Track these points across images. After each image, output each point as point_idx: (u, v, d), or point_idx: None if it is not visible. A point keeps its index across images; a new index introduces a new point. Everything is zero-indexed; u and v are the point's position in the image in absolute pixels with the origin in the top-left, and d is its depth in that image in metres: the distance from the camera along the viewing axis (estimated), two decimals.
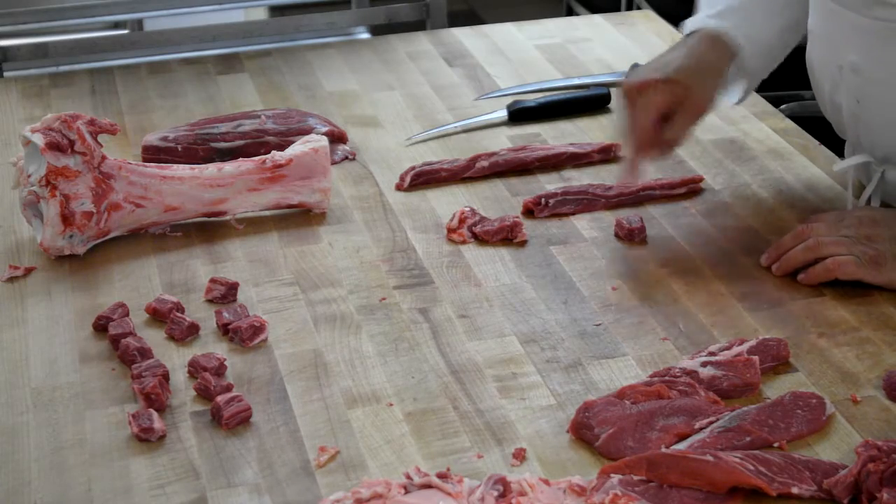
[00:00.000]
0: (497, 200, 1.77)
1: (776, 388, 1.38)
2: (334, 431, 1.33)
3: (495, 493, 1.20)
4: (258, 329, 1.48)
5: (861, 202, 1.71)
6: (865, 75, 1.60)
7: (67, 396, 1.39)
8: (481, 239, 1.66)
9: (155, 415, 1.34)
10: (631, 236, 1.67)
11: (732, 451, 1.25)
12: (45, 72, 2.34)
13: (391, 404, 1.37)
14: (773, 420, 1.31)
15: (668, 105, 1.62)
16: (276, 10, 3.68)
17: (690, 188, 1.77)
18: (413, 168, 1.82)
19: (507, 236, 1.67)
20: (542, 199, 1.73)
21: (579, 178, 1.82)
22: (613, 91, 2.04)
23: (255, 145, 1.85)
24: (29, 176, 1.62)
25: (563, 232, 1.69)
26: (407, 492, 1.21)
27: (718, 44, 1.66)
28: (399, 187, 1.80)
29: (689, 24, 1.70)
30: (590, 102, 2.03)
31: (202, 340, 1.48)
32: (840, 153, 1.91)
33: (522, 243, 1.66)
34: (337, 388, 1.39)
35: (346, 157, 1.89)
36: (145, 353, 1.43)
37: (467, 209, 1.69)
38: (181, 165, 1.71)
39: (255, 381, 1.41)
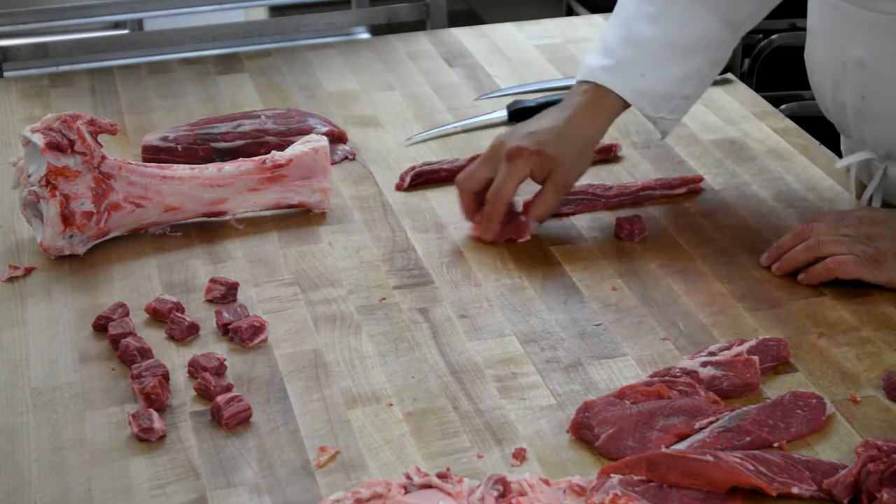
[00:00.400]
0: None
1: (776, 388, 1.38)
2: (334, 431, 1.33)
3: (495, 493, 1.20)
4: (258, 329, 1.48)
5: (863, 200, 1.71)
6: (871, 70, 1.60)
7: (67, 396, 1.39)
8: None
9: (155, 415, 1.34)
10: (631, 236, 1.67)
11: (732, 451, 1.25)
12: (45, 72, 2.34)
13: (391, 404, 1.37)
14: (773, 420, 1.31)
15: (535, 175, 1.64)
16: (276, 10, 3.68)
17: (690, 188, 1.77)
18: (413, 168, 1.82)
19: (511, 237, 1.67)
20: None
21: (579, 179, 1.82)
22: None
23: (255, 145, 1.85)
24: (29, 176, 1.62)
25: (563, 232, 1.69)
26: (407, 492, 1.21)
27: (605, 99, 1.67)
28: (399, 187, 1.80)
29: (582, 70, 1.70)
30: None
31: (202, 340, 1.48)
32: (839, 152, 1.91)
33: (525, 242, 1.66)
34: (337, 388, 1.40)
35: (346, 157, 1.89)
36: (145, 353, 1.43)
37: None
38: (181, 165, 1.71)
39: (255, 381, 1.41)
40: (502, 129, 1.96)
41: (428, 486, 1.21)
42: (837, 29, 1.64)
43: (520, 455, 1.29)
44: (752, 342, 1.42)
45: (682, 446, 1.29)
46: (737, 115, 2.00)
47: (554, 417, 1.35)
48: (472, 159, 1.80)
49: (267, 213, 1.73)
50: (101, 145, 1.64)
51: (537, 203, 1.67)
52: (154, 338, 1.48)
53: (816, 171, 1.83)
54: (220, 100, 2.09)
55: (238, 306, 1.52)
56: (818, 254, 1.56)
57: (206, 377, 1.38)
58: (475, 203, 1.68)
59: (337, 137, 1.91)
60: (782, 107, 2.76)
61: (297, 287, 1.58)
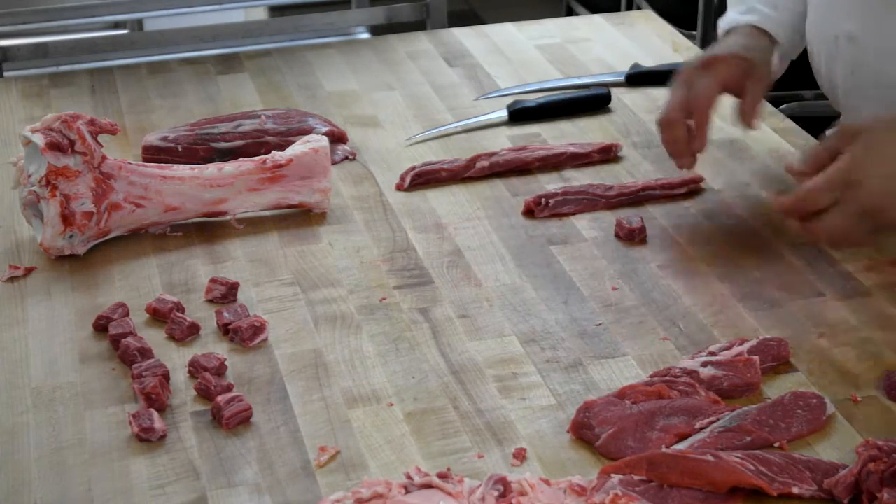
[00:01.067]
0: (497, 200, 1.77)
1: (776, 388, 1.38)
2: (334, 431, 1.33)
3: (496, 493, 1.20)
4: (258, 329, 1.48)
5: None
6: (861, 45, 1.61)
7: (67, 396, 1.39)
8: None
9: (155, 415, 1.34)
10: (631, 236, 1.67)
11: (733, 451, 1.25)
12: (45, 72, 2.34)
13: (391, 404, 1.37)
14: (773, 420, 1.31)
15: (734, 78, 1.67)
16: (276, 10, 3.68)
17: (690, 188, 1.77)
18: (413, 168, 1.82)
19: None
20: (543, 200, 1.73)
21: (579, 179, 1.82)
22: (615, 91, 2.04)
23: (255, 145, 1.85)
24: (29, 176, 1.62)
25: (563, 232, 1.69)
26: (407, 492, 1.21)
27: (759, 33, 1.73)
28: (399, 187, 1.80)
29: (723, 23, 1.78)
30: (590, 102, 2.03)
31: (202, 340, 1.48)
32: None
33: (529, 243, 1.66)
34: (337, 388, 1.39)
35: (346, 157, 1.89)
36: (145, 353, 1.43)
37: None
38: (181, 165, 1.71)
39: (255, 381, 1.41)
40: (502, 130, 1.97)
41: (428, 485, 1.21)
42: (832, 3, 1.66)
43: (520, 455, 1.29)
44: (753, 342, 1.42)
45: (682, 446, 1.29)
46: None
47: (554, 417, 1.35)
48: (473, 159, 1.80)
49: (267, 213, 1.73)
50: (102, 145, 1.64)
51: (748, 100, 1.68)
52: (154, 338, 1.48)
53: None
54: (220, 100, 2.09)
55: (238, 306, 1.52)
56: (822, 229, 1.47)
57: (207, 377, 1.38)
58: (680, 138, 1.68)
59: (337, 137, 1.91)
60: (782, 107, 2.76)
61: (297, 287, 1.58)
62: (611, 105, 2.03)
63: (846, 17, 1.62)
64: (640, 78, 2.10)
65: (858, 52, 1.63)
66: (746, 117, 1.70)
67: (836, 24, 1.66)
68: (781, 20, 1.74)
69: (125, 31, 2.85)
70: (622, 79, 2.10)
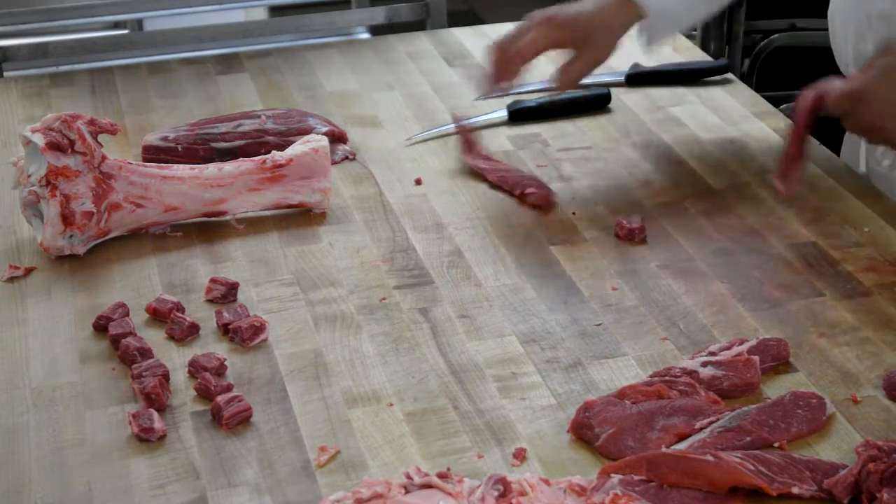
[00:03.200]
0: (497, 200, 1.77)
1: (776, 388, 1.38)
2: (334, 431, 1.33)
3: (495, 493, 1.20)
4: (258, 329, 1.48)
5: (877, 156, 1.77)
6: (894, 21, 1.65)
7: (67, 396, 1.39)
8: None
9: (155, 415, 1.34)
10: (631, 236, 1.67)
11: (732, 451, 1.25)
12: (45, 72, 2.34)
13: (391, 404, 1.37)
14: (773, 420, 1.31)
15: (562, 41, 1.76)
16: (276, 10, 3.68)
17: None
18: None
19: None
20: None
21: (580, 179, 1.82)
22: (615, 91, 2.04)
23: (255, 145, 1.85)
24: (29, 176, 1.62)
25: (563, 232, 1.69)
26: (407, 492, 1.21)
27: (626, 6, 1.78)
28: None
29: None
30: (590, 102, 2.03)
31: (202, 340, 1.48)
32: (838, 152, 1.91)
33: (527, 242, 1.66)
34: (337, 388, 1.40)
35: (346, 157, 1.89)
36: (145, 353, 1.43)
37: None
38: (181, 165, 1.71)
39: (255, 381, 1.41)
40: (502, 129, 1.97)
41: (428, 485, 1.21)
42: None
43: (520, 455, 1.29)
44: (752, 342, 1.42)
45: (682, 446, 1.29)
46: (737, 115, 2.00)
47: (554, 417, 1.35)
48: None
49: (267, 213, 1.73)
50: (101, 145, 1.64)
51: (570, 68, 1.78)
52: (154, 338, 1.48)
53: (816, 171, 1.83)
54: (220, 100, 2.09)
55: (238, 306, 1.52)
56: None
57: (207, 377, 1.38)
58: (504, 67, 1.78)
59: (337, 137, 1.91)
60: (782, 107, 2.75)
61: (297, 287, 1.58)
62: (611, 105, 2.03)
63: None
64: (640, 78, 2.10)
65: (890, 29, 1.67)
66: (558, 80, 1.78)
67: (868, 3, 1.70)
68: (656, 2, 1.78)
69: (125, 31, 2.85)
70: (622, 79, 2.10)
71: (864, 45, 1.72)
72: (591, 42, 1.77)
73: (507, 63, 1.77)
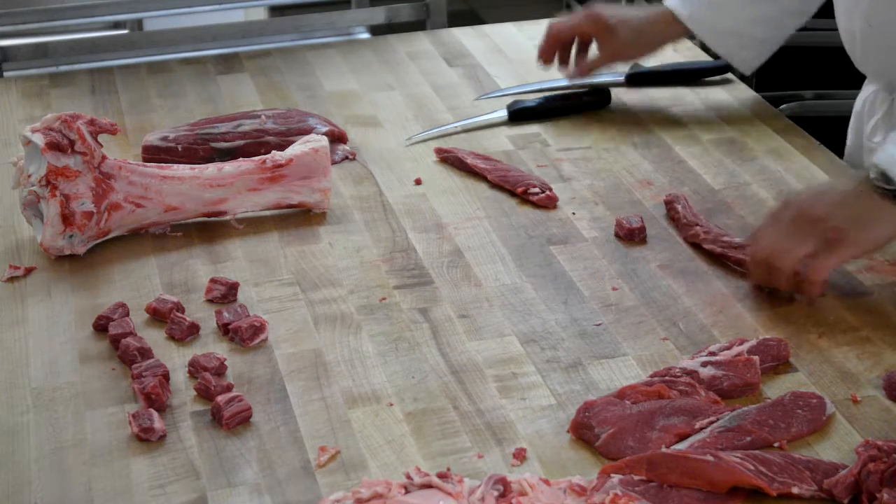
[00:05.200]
0: (497, 200, 1.77)
1: (776, 388, 1.38)
2: (334, 431, 1.33)
3: (495, 493, 1.20)
4: (258, 329, 1.48)
5: (867, 130, 1.74)
6: None
7: (67, 396, 1.39)
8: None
9: (155, 415, 1.34)
10: (631, 236, 1.67)
11: (732, 451, 1.25)
12: (45, 72, 2.34)
13: (391, 404, 1.37)
14: (773, 420, 1.31)
15: (590, 31, 1.93)
16: (276, 10, 3.68)
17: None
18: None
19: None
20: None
21: (580, 179, 1.82)
22: (614, 91, 2.04)
23: (255, 145, 1.85)
24: (29, 176, 1.62)
25: (563, 232, 1.69)
26: (407, 492, 1.21)
27: (667, 18, 1.89)
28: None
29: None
30: (590, 102, 2.03)
31: (202, 340, 1.48)
32: (840, 153, 1.91)
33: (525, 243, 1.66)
34: (337, 388, 1.40)
35: (346, 157, 1.89)
36: (145, 353, 1.43)
37: None
38: (181, 165, 1.71)
39: (255, 381, 1.41)
40: (502, 129, 1.97)
41: (428, 485, 1.21)
42: None
43: (520, 455, 1.29)
44: (752, 342, 1.42)
45: (682, 446, 1.29)
46: (737, 115, 2.00)
47: (554, 417, 1.35)
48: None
49: (267, 213, 1.73)
50: (101, 145, 1.64)
51: (586, 59, 1.98)
52: (154, 338, 1.48)
53: (816, 171, 1.83)
54: (220, 100, 2.09)
55: (238, 306, 1.52)
56: (785, 279, 1.49)
57: (207, 377, 1.38)
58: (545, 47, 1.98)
59: (337, 137, 1.91)
60: (782, 107, 2.76)
61: (297, 287, 1.58)
62: (611, 105, 2.03)
63: None
64: (640, 78, 2.10)
65: (875, 4, 1.68)
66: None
67: None
68: (706, 20, 1.89)
69: (125, 31, 2.85)
70: (622, 79, 2.10)
71: (852, 21, 1.72)
72: (614, 37, 1.86)
73: (547, 43, 1.96)
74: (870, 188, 1.48)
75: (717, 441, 1.28)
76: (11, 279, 1.60)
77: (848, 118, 1.92)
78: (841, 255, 1.48)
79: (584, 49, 1.98)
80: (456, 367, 1.43)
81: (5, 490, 1.26)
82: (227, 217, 1.71)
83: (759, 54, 1.91)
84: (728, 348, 1.42)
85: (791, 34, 1.91)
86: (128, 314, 1.51)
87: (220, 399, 1.34)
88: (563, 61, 1.99)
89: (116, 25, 2.89)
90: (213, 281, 1.56)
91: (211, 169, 1.70)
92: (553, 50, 1.97)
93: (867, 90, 1.79)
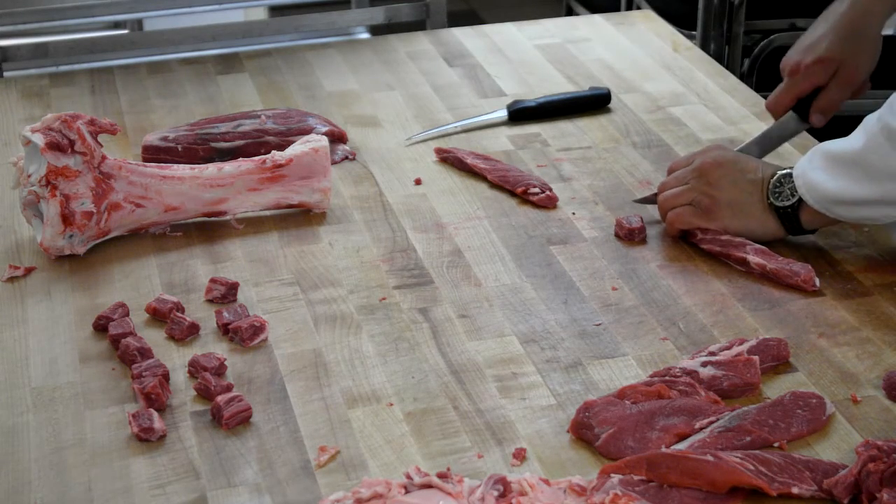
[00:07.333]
0: (497, 200, 1.77)
1: (776, 388, 1.38)
2: (334, 431, 1.33)
3: (495, 493, 1.20)
4: (258, 329, 1.48)
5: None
6: None
7: (67, 396, 1.39)
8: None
9: (155, 415, 1.34)
10: (631, 236, 1.67)
11: (732, 451, 1.25)
12: (45, 72, 2.34)
13: (391, 404, 1.37)
14: (773, 420, 1.31)
15: (814, 86, 1.71)
16: (276, 10, 3.68)
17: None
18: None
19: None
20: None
21: (580, 179, 1.82)
22: (614, 91, 2.04)
23: (255, 145, 1.85)
24: (29, 176, 1.63)
25: (563, 232, 1.69)
26: (407, 492, 1.21)
27: None
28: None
29: None
30: (590, 102, 2.03)
31: (202, 340, 1.48)
32: None
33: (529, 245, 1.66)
34: (337, 388, 1.40)
35: (346, 157, 1.89)
36: (145, 353, 1.43)
37: None
38: (181, 165, 1.71)
39: (255, 381, 1.41)
40: (502, 129, 1.97)
41: (428, 485, 1.21)
42: None
43: (520, 455, 1.29)
44: (752, 342, 1.42)
45: (682, 446, 1.29)
46: (737, 115, 2.00)
47: (554, 417, 1.35)
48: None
49: (267, 213, 1.73)
50: (101, 145, 1.64)
51: (823, 98, 1.72)
52: (154, 338, 1.48)
53: None
54: (220, 100, 2.09)
55: (238, 306, 1.52)
56: (666, 208, 1.66)
57: (207, 377, 1.38)
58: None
59: (337, 137, 1.91)
60: None
61: (297, 287, 1.58)
62: (611, 105, 2.03)
63: None
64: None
65: None
66: (813, 115, 1.74)
67: None
68: None
69: (125, 31, 2.85)
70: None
71: None
72: (842, 69, 1.70)
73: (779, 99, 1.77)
74: (765, 190, 1.60)
75: (717, 441, 1.28)
76: (11, 279, 1.61)
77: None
78: (702, 223, 1.63)
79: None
80: (456, 367, 1.43)
81: (5, 490, 1.26)
82: (227, 217, 1.71)
83: None
84: (728, 348, 1.42)
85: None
86: (128, 314, 1.51)
87: (220, 399, 1.34)
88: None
89: (116, 25, 2.89)
90: (213, 281, 1.57)
91: (211, 169, 1.70)
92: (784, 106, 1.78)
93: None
